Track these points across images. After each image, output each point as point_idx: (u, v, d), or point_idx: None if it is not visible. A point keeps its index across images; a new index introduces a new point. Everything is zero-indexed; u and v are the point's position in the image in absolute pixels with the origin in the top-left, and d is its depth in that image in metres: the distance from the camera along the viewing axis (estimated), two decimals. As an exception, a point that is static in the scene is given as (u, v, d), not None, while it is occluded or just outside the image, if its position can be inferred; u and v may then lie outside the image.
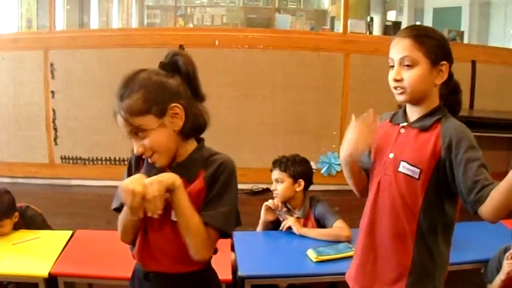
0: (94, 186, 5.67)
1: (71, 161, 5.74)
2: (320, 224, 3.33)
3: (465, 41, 8.03)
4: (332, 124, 5.87)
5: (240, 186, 5.38)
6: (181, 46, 5.56)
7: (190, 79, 1.77)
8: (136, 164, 1.85)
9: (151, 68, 1.74)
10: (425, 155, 1.80)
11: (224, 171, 1.74)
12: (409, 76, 1.80)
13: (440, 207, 1.85)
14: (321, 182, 5.17)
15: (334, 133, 5.85)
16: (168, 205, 1.69)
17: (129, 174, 1.81)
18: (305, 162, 3.48)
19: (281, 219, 3.36)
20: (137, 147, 1.68)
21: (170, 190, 1.64)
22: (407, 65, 1.80)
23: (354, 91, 5.80)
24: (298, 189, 3.37)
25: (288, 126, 5.87)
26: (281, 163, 3.41)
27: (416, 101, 1.86)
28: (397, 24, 7.36)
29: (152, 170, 1.74)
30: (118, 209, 1.81)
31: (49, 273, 2.89)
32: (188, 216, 1.68)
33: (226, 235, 1.80)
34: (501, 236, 2.99)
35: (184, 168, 1.73)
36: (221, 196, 1.73)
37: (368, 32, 6.56)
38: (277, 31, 5.72)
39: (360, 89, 5.79)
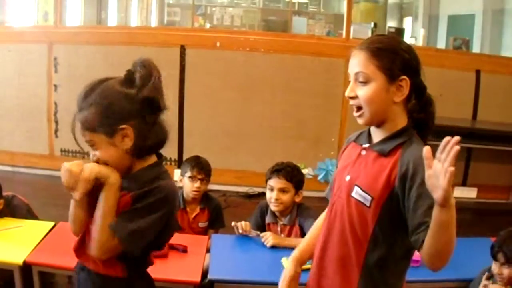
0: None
1: (70, 154, 5.82)
2: (304, 232, 3.28)
3: (477, 49, 7.93)
4: (331, 131, 5.85)
5: (235, 188, 5.48)
6: (182, 47, 5.62)
7: (148, 92, 1.70)
8: None
9: (114, 79, 1.75)
10: (379, 182, 1.64)
11: (154, 195, 1.72)
12: (362, 94, 1.65)
13: (392, 239, 1.68)
14: (317, 188, 5.18)
15: (333, 139, 5.82)
16: None
17: None
18: (301, 172, 3.48)
19: (252, 235, 3.33)
20: (92, 155, 1.72)
21: (101, 181, 1.68)
22: (361, 82, 1.66)
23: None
24: (297, 200, 3.36)
25: (287, 131, 5.85)
26: (287, 172, 3.33)
27: (376, 122, 1.71)
28: (400, 31, 7.26)
29: None
30: None
31: (24, 262, 2.94)
32: (103, 214, 1.68)
33: (130, 252, 1.75)
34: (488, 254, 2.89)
35: (129, 178, 1.74)
36: (138, 215, 1.70)
37: (371, 39, 6.52)
38: (279, 35, 5.72)
39: (361, 96, 5.76)
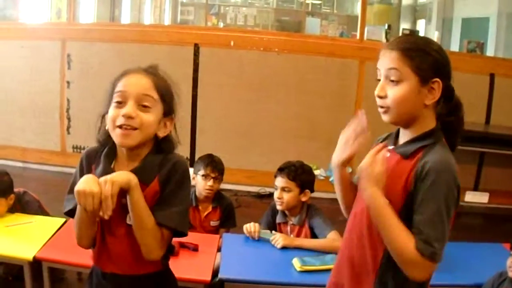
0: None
1: (82, 151, 5.77)
2: (314, 233, 3.28)
3: (491, 53, 7.86)
4: (344, 132, 5.81)
5: (246, 188, 5.47)
6: (196, 45, 5.61)
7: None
8: (87, 166, 1.82)
9: None
10: (398, 187, 1.60)
11: (177, 171, 1.74)
12: (394, 94, 1.60)
13: None
14: (329, 190, 5.15)
15: (346, 140, 5.79)
16: (124, 208, 1.69)
17: (81, 174, 1.75)
18: (310, 171, 3.43)
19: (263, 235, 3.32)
20: (129, 108, 1.66)
21: (125, 190, 1.64)
22: (393, 81, 1.60)
23: (368, 99, 5.73)
24: (303, 199, 3.32)
25: (300, 131, 5.84)
26: (290, 171, 3.32)
27: (403, 122, 1.67)
28: (414, 33, 7.24)
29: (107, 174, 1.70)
30: (70, 213, 1.79)
31: (34, 257, 2.94)
32: (143, 216, 1.67)
33: (181, 234, 1.79)
34: (501, 258, 2.86)
35: (141, 171, 1.71)
36: (174, 196, 1.72)
37: (385, 40, 6.50)
38: (292, 35, 5.70)
39: (374, 97, 5.72)
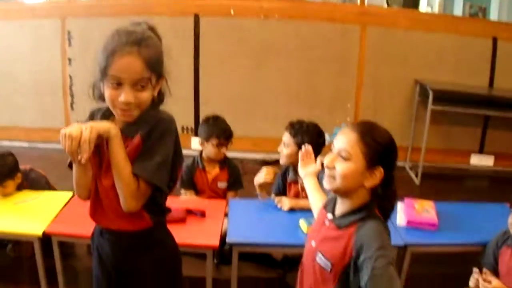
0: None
1: (87, 124, 5.80)
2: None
3: (494, 17, 7.79)
4: (347, 96, 5.84)
5: (252, 155, 5.47)
6: (196, 15, 5.58)
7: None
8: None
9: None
10: (337, 252, 1.79)
11: (159, 128, 1.78)
12: (340, 168, 1.79)
13: None
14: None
15: (349, 105, 5.83)
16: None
17: None
18: (318, 135, 3.41)
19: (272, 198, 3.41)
20: (127, 96, 1.70)
21: (105, 138, 1.70)
22: (342, 157, 1.79)
23: (370, 64, 5.74)
24: None
25: (303, 97, 5.85)
26: (293, 128, 3.38)
27: (341, 193, 1.86)
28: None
29: None
30: (71, 166, 1.87)
31: (44, 233, 2.97)
32: (120, 166, 1.74)
33: (159, 189, 1.83)
34: (506, 218, 2.86)
35: (126, 125, 1.78)
36: (153, 150, 1.77)
37: (386, 5, 6.45)
38: (293, 1, 5.61)
39: (376, 62, 5.73)
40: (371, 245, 1.68)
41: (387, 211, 1.87)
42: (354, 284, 1.74)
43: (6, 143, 5.98)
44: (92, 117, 1.89)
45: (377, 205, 1.84)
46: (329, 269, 1.81)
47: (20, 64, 5.91)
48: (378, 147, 1.78)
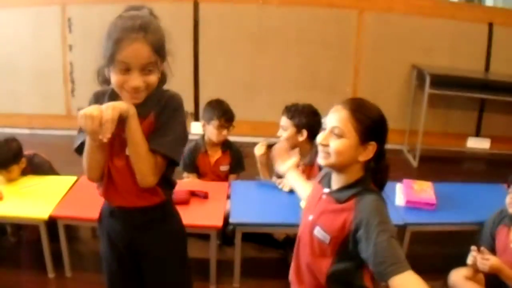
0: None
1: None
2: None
3: (490, 2, 7.80)
4: (345, 80, 5.88)
5: (251, 139, 5.48)
6: (195, 1, 5.60)
7: None
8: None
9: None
10: (336, 225, 1.82)
11: (171, 105, 1.86)
12: (334, 145, 1.82)
13: (349, 275, 1.88)
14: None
15: (348, 90, 5.86)
16: (123, 142, 1.80)
17: None
18: (313, 114, 3.48)
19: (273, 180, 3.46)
20: (137, 81, 1.73)
21: (123, 117, 1.72)
22: (336, 134, 1.82)
23: (367, 48, 5.77)
24: (300, 139, 3.40)
25: (301, 81, 5.89)
26: (289, 110, 3.45)
27: (336, 169, 1.89)
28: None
29: None
30: (79, 151, 1.89)
31: (49, 216, 3.03)
32: (138, 143, 1.78)
33: (174, 162, 1.91)
34: (502, 198, 2.97)
35: (139, 106, 1.80)
36: (167, 127, 1.84)
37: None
38: (291, -13, 5.66)
39: (373, 46, 5.76)
40: (371, 221, 1.72)
41: (382, 183, 1.91)
42: (352, 254, 1.79)
43: (7, 130, 5.94)
44: (97, 99, 1.90)
45: (372, 178, 1.89)
46: (327, 242, 1.85)
47: (21, 51, 5.91)
48: (369, 122, 1.81)
